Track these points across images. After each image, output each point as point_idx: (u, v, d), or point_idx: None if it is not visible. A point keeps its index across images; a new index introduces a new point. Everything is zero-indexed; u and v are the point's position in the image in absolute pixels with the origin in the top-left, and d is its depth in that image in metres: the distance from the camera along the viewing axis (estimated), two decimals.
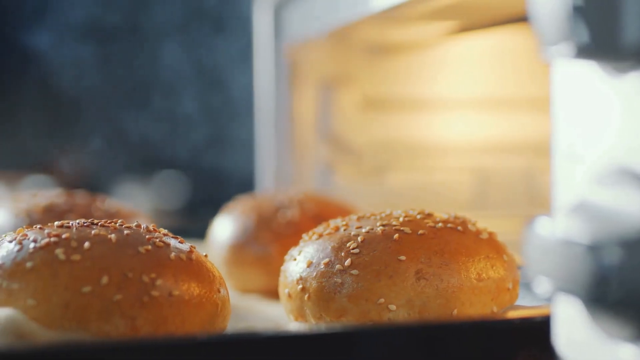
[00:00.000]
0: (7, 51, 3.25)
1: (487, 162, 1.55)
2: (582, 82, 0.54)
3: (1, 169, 3.02)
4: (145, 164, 3.27)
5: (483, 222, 0.86)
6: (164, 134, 3.30)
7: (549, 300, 0.59)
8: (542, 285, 0.53)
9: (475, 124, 1.55)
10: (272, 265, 1.06)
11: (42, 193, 1.15)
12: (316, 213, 1.10)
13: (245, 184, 1.90)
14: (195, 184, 3.21)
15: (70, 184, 2.56)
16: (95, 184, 2.84)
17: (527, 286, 0.82)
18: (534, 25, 0.53)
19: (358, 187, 1.50)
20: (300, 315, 0.80)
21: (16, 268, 0.69)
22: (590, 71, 0.53)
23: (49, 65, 3.27)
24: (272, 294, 1.04)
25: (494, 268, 0.79)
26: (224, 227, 1.13)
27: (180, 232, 0.83)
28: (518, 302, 0.83)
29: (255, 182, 1.68)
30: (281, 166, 1.52)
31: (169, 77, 3.31)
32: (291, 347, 0.66)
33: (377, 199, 1.48)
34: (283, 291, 0.83)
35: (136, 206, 1.27)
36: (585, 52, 0.49)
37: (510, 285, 0.81)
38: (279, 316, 0.92)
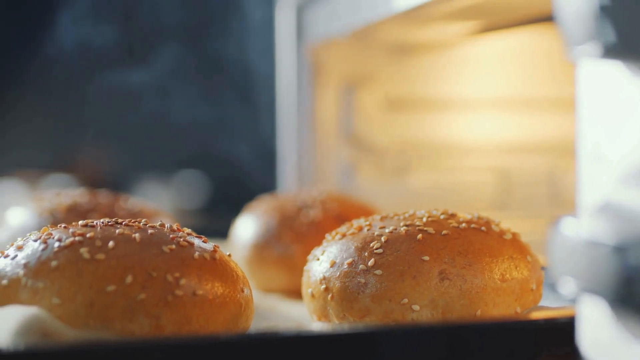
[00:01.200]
0: (27, 49, 3.27)
1: (509, 163, 1.54)
2: (608, 82, 0.54)
3: (22, 168, 3.03)
4: (165, 163, 3.27)
5: (505, 222, 0.86)
6: (184, 133, 3.31)
7: (573, 301, 0.59)
8: (567, 286, 0.53)
9: (498, 124, 1.54)
10: (295, 265, 1.06)
11: (65, 192, 1.16)
12: (338, 213, 1.10)
13: (266, 184, 1.90)
14: (216, 183, 3.22)
15: (90, 182, 2.57)
16: (116, 183, 2.85)
17: (551, 287, 0.82)
18: (559, 25, 0.53)
19: (380, 187, 1.50)
20: (323, 315, 0.80)
21: (41, 267, 0.70)
22: (616, 71, 0.53)
23: (71, 63, 3.28)
24: (294, 293, 1.04)
25: (518, 269, 0.79)
26: (247, 227, 1.14)
27: (202, 231, 0.83)
28: (541, 303, 0.83)
29: (277, 182, 1.68)
30: (303, 166, 1.52)
31: (189, 76, 3.31)
32: (314, 347, 0.66)
33: (399, 199, 1.48)
34: (306, 291, 0.83)
35: (157, 205, 1.27)
36: (611, 52, 0.49)
37: (533, 286, 0.80)
38: (301, 316, 0.92)
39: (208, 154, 3.31)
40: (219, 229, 1.26)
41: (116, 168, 3.29)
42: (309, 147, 1.51)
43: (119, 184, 2.83)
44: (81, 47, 3.29)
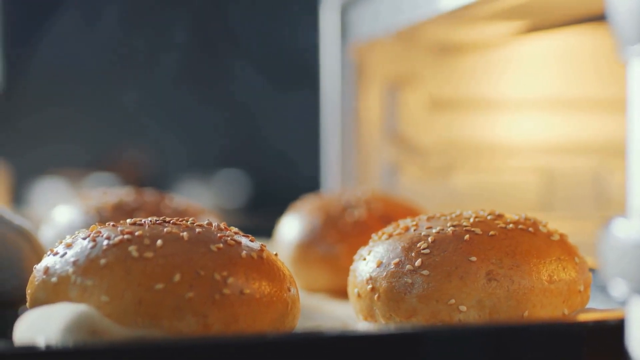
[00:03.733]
0: (71, 48, 3.29)
1: (554, 163, 1.53)
2: None
3: (66, 166, 3.06)
4: (207, 161, 3.29)
5: (550, 223, 0.85)
6: (228, 132, 3.32)
7: (622, 303, 0.58)
8: (618, 288, 0.52)
9: (542, 125, 1.53)
10: (339, 265, 1.06)
11: (111, 191, 1.16)
12: (383, 213, 1.10)
13: (310, 183, 1.90)
14: (260, 182, 3.22)
15: (132, 181, 2.59)
16: (157, 182, 2.86)
17: (600, 289, 0.81)
18: (611, 24, 0.53)
19: (423, 188, 1.50)
20: (369, 315, 0.80)
21: (90, 265, 0.70)
22: None
23: (113, 62, 3.31)
24: (339, 293, 1.04)
25: (566, 270, 0.79)
26: (291, 226, 1.14)
27: (246, 230, 0.83)
28: (590, 305, 0.82)
29: (321, 182, 1.68)
30: (346, 166, 1.52)
31: (233, 76, 3.32)
32: (360, 348, 0.66)
33: (442, 200, 1.48)
34: (352, 291, 0.83)
35: (201, 204, 1.27)
36: None
37: (581, 288, 0.80)
38: (347, 316, 0.92)
39: (252, 153, 3.32)
40: (264, 229, 1.26)
41: (158, 167, 3.31)
42: (352, 146, 1.51)
43: (161, 183, 2.85)
44: (123, 47, 3.31)
